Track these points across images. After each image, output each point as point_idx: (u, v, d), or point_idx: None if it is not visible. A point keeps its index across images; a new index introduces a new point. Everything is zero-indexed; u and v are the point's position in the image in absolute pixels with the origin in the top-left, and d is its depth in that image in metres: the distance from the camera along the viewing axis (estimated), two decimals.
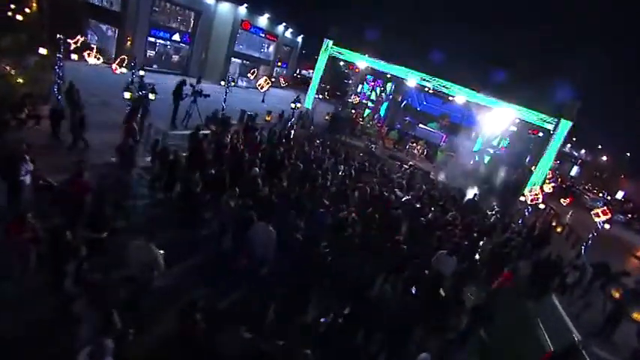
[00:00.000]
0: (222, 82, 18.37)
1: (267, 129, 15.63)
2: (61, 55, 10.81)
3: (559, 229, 20.08)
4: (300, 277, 5.88)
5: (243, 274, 6.28)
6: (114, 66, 11.65)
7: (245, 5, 32.14)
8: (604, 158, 59.28)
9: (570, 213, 26.54)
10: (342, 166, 12.57)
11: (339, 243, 7.12)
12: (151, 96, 10.30)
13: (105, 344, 3.35)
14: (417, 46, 22.87)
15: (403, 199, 11.25)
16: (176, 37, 29.73)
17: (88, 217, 5.59)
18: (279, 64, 43.27)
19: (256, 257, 6.33)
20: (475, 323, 6.64)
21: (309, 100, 24.81)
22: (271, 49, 39.82)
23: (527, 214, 16.55)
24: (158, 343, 4.35)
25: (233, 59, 35.31)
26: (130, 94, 9.51)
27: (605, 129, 58.35)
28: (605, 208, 16.12)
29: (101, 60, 11.50)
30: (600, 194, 41.90)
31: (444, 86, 19.78)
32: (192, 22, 30.46)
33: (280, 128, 15.20)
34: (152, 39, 28.39)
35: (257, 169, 9.43)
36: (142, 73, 14.23)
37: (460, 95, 19.92)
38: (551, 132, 17.51)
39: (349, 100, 32.06)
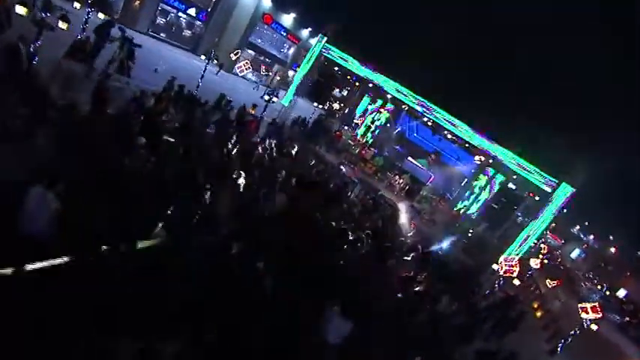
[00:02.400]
0: (203, 56, 16.58)
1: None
2: None
3: (539, 314, 17.28)
4: None
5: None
6: None
7: None
8: (612, 250, 55.52)
9: (560, 300, 23.39)
10: (283, 172, 10.33)
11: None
12: (62, 25, 8.39)
13: None
14: (415, 66, 20.86)
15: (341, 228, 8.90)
16: (192, 11, 28.55)
17: None
18: (298, 69, 41.95)
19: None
20: None
21: (287, 97, 22.68)
22: (291, 51, 38.55)
23: (497, 286, 13.84)
24: None
25: (248, 50, 34.06)
26: (25, 10, 7.57)
27: (620, 220, 54.94)
28: (595, 304, 13.33)
29: None
30: (599, 286, 38.29)
31: (433, 112, 17.59)
32: (213, 1, 29.38)
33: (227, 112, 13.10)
34: (165, 6, 27.27)
35: (143, 138, 7.36)
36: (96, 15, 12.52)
37: (450, 128, 17.67)
38: (549, 194, 14.84)
39: (355, 122, 30.04)
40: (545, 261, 22.89)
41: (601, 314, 13.33)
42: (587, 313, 13.52)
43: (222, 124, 11.94)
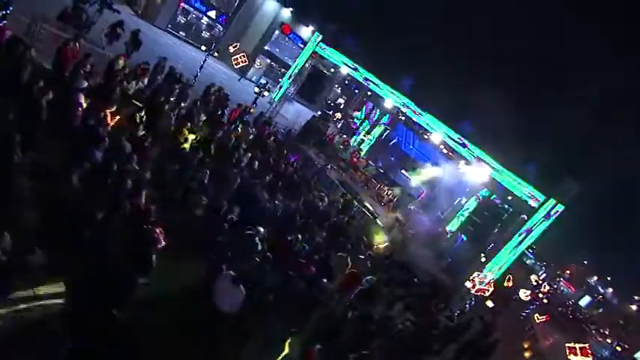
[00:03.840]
0: (204, 47, 16.73)
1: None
2: None
3: (527, 354, 15.64)
4: None
5: None
6: None
7: (291, 9, 31.81)
8: (634, 308, 51.03)
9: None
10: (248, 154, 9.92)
11: None
12: None
13: None
14: (408, 70, 20.32)
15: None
16: (212, 14, 29.53)
17: None
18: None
19: None
20: None
21: (278, 93, 22.25)
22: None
23: (468, 306, 12.43)
24: None
25: (264, 58, 34.75)
26: None
27: None
28: (585, 346, 11.77)
29: None
30: (609, 340, 34.88)
31: (418, 114, 16.87)
32: (235, 6, 30.33)
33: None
34: (187, 6, 28.29)
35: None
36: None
37: (436, 132, 16.76)
38: (536, 209, 13.30)
39: (361, 136, 29.58)
40: (545, 300, 20.93)
41: (591, 358, 11.75)
42: (576, 355, 11.98)
43: (194, 102, 11.74)
